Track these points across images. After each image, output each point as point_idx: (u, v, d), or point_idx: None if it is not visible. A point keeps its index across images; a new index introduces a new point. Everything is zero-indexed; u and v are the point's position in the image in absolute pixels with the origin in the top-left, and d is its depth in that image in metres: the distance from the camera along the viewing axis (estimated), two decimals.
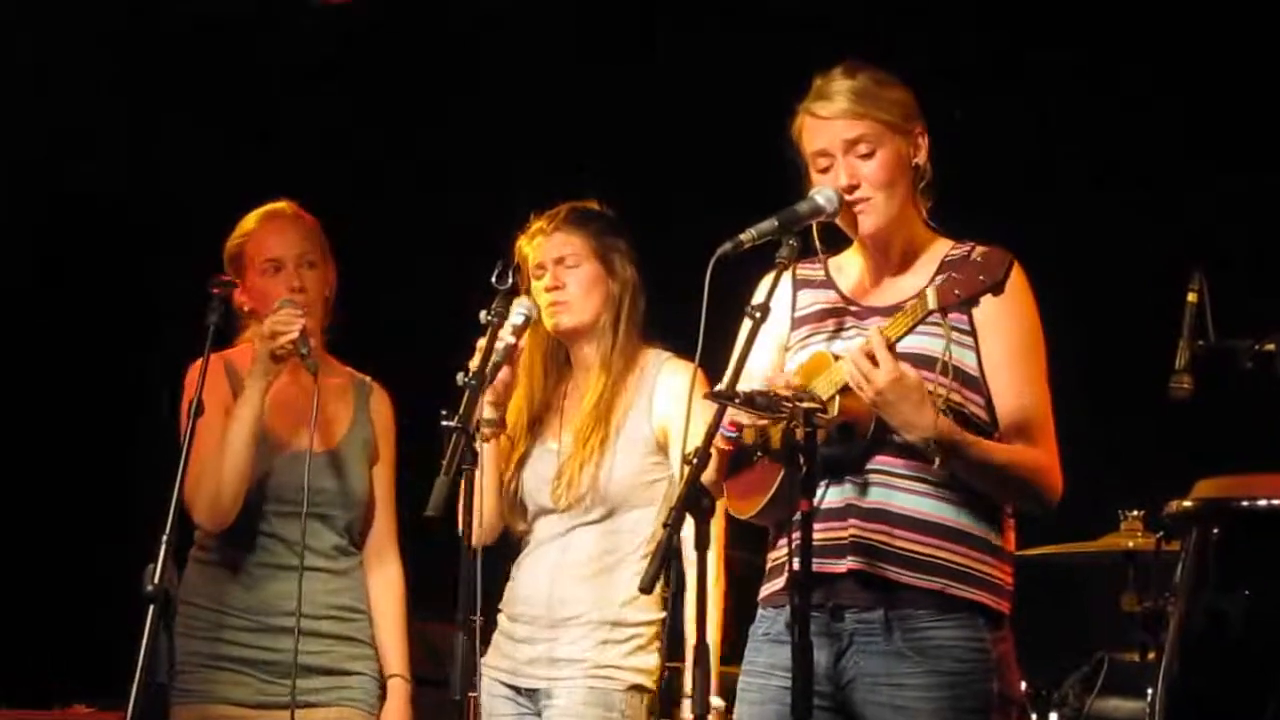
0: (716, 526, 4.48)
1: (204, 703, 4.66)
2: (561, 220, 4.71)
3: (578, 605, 4.59)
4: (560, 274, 4.68)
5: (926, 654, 3.74)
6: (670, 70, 6.58)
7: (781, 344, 3.98)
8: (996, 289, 3.57)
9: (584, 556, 4.61)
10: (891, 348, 3.62)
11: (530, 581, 4.67)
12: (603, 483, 4.60)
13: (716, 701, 4.46)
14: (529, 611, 4.64)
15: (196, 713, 4.66)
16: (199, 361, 4.55)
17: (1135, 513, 5.33)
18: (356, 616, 4.81)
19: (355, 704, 4.77)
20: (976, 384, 3.80)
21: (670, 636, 4.47)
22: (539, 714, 4.62)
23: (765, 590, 3.93)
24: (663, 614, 4.53)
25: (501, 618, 4.72)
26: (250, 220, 4.85)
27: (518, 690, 4.65)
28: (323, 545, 4.76)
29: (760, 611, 3.94)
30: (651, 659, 4.56)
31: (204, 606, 4.71)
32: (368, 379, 4.95)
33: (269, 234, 4.80)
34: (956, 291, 3.57)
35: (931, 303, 3.59)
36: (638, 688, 4.54)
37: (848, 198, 3.85)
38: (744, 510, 3.92)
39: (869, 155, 3.86)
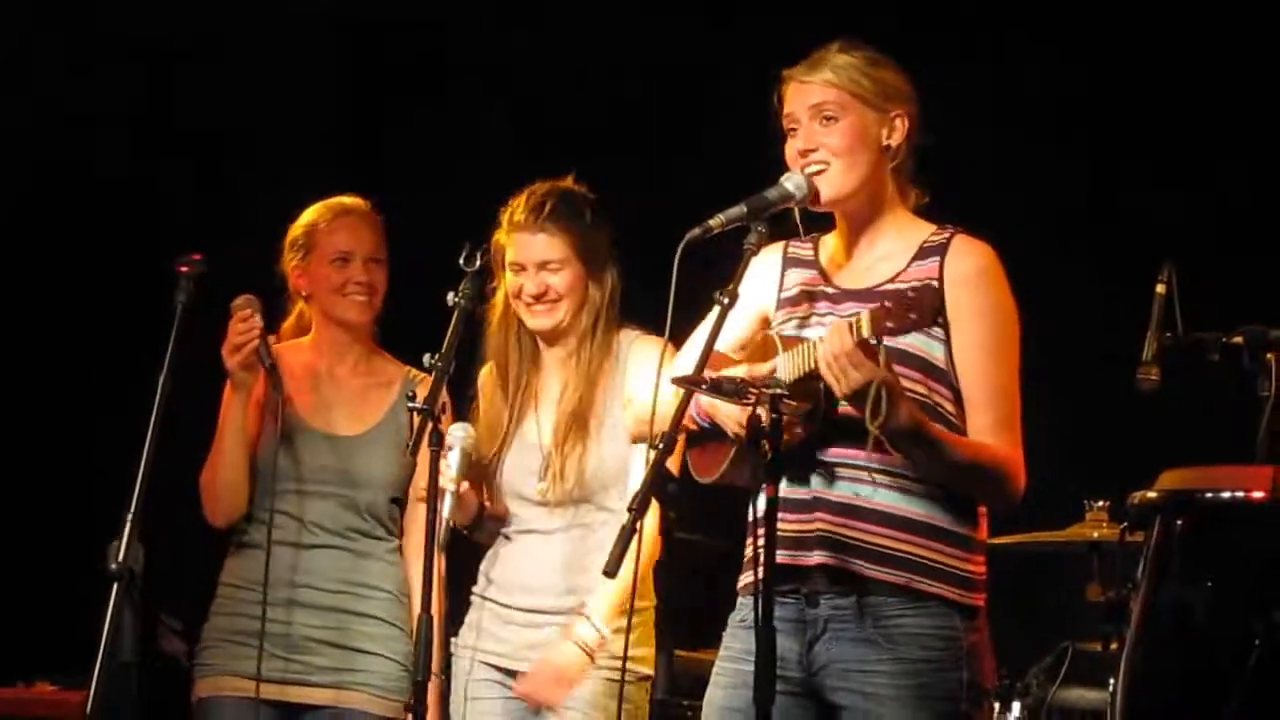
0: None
1: (217, 675, 4.85)
2: (545, 217, 4.62)
3: (579, 593, 4.57)
4: (544, 279, 4.63)
5: (896, 642, 3.75)
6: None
7: (761, 317, 3.98)
8: (926, 326, 3.58)
9: (581, 544, 4.61)
10: (868, 347, 3.61)
11: (527, 569, 4.66)
12: (589, 474, 4.61)
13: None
14: (528, 599, 4.64)
15: (211, 684, 4.87)
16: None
17: (1100, 503, 5.34)
18: (376, 594, 4.86)
19: (361, 687, 4.81)
20: (945, 377, 3.81)
21: None
22: None
23: (742, 580, 3.94)
24: (654, 601, 4.39)
25: (490, 603, 4.71)
26: (325, 211, 4.95)
27: (510, 673, 4.64)
28: (337, 525, 4.85)
29: (739, 599, 3.95)
30: (648, 649, 4.46)
31: (229, 585, 4.90)
32: (417, 374, 4.95)
33: (342, 228, 4.92)
34: (889, 324, 3.55)
35: (865, 331, 3.58)
36: (644, 678, 4.51)
37: (802, 162, 3.85)
38: (705, 475, 3.93)
39: (831, 122, 3.86)
